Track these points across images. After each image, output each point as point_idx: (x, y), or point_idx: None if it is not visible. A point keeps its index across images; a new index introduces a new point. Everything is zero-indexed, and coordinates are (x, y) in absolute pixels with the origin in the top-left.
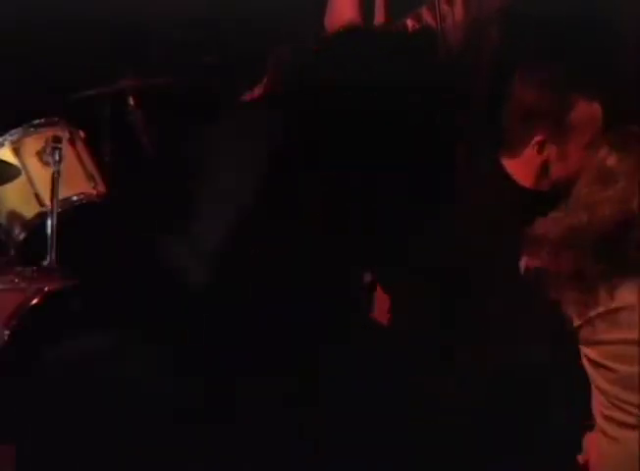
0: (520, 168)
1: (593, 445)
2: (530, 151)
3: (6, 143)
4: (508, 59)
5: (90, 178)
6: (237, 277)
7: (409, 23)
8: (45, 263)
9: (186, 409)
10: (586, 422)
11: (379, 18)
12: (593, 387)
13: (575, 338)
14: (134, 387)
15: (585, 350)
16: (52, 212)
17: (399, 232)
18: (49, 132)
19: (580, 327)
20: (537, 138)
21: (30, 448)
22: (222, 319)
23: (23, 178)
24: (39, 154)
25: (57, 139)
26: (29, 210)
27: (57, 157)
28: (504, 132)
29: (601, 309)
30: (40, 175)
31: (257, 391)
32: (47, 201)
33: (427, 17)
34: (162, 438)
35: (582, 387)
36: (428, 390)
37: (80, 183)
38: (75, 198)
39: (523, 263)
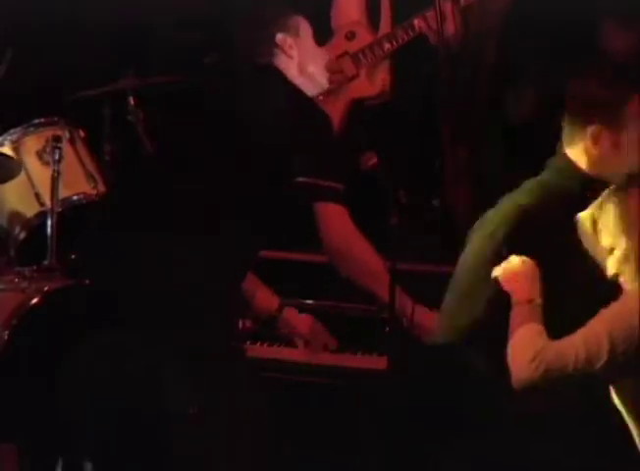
0: (579, 157)
1: None
2: (586, 143)
3: (6, 143)
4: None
5: (90, 178)
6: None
7: (417, 23)
8: (45, 263)
9: (186, 410)
10: None
11: (385, 18)
12: None
13: None
14: (135, 386)
15: None
16: (52, 212)
17: None
18: (49, 132)
19: None
20: (592, 129)
21: (32, 448)
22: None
23: (23, 177)
24: (39, 154)
25: (57, 139)
26: (29, 210)
27: (57, 157)
28: (562, 123)
29: None
30: (40, 174)
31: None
32: (47, 201)
33: (432, 20)
34: (163, 437)
35: None
36: None
37: (80, 183)
38: (75, 198)
39: None
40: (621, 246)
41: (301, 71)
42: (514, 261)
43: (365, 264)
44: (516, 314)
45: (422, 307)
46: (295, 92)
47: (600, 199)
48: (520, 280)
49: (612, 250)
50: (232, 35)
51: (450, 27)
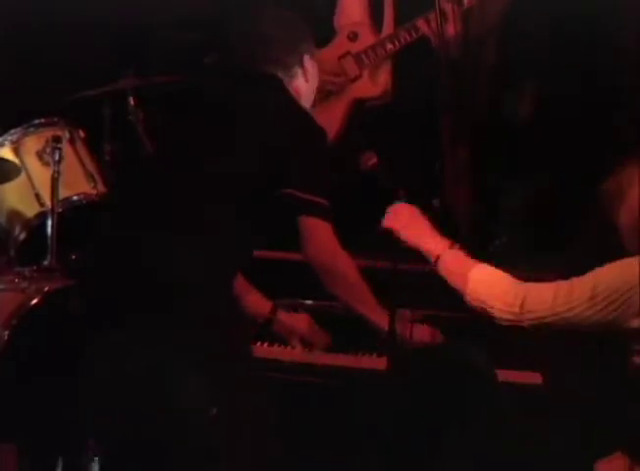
0: None
1: None
2: None
3: (6, 143)
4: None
5: (90, 178)
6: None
7: (420, 24)
8: (45, 263)
9: (186, 409)
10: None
11: (388, 19)
12: None
13: None
14: (134, 386)
15: None
16: (52, 212)
17: None
18: (49, 132)
19: None
20: None
21: (32, 448)
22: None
23: (23, 178)
24: (39, 154)
25: (57, 139)
26: (29, 210)
27: (57, 157)
28: None
29: None
30: (40, 175)
31: None
32: (47, 201)
33: (434, 22)
34: (164, 436)
35: None
36: None
37: (80, 183)
38: (75, 198)
39: None
40: None
41: (308, 94)
42: (402, 207)
43: (349, 283)
44: (451, 261)
45: (419, 325)
46: (296, 105)
47: (628, 170)
48: (419, 228)
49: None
50: (241, 37)
51: (450, 29)
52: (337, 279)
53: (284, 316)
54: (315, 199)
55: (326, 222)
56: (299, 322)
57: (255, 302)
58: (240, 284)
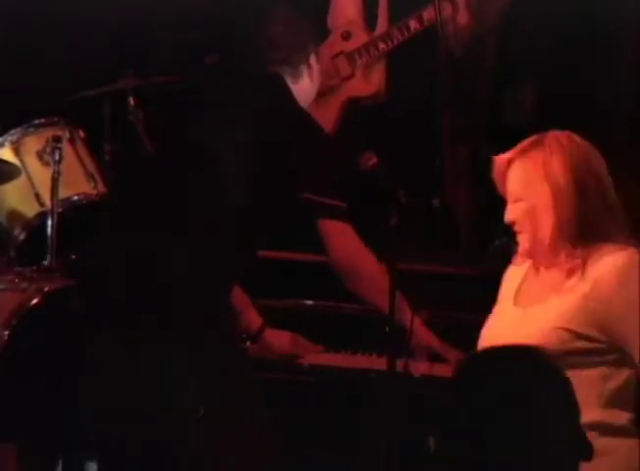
0: None
1: None
2: None
3: (6, 143)
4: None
5: (90, 178)
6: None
7: (412, 24)
8: (45, 263)
9: (185, 409)
10: None
11: (382, 18)
12: None
13: None
14: (134, 386)
15: None
16: (52, 212)
17: None
18: (49, 132)
19: None
20: None
21: (32, 448)
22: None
23: (23, 178)
24: (39, 154)
25: (57, 139)
26: (29, 210)
27: (57, 157)
28: None
29: None
30: (40, 175)
31: None
32: (47, 201)
33: (430, 18)
34: (163, 437)
35: None
36: None
37: (80, 183)
38: (75, 198)
39: None
40: (530, 200)
41: (311, 93)
42: None
43: (372, 281)
44: None
45: (419, 318)
46: (297, 105)
47: (523, 144)
48: None
49: (517, 199)
50: (246, 38)
51: (463, 17)
52: (361, 279)
53: (269, 335)
54: (333, 202)
55: (346, 223)
56: (283, 342)
57: (247, 319)
58: (240, 298)
